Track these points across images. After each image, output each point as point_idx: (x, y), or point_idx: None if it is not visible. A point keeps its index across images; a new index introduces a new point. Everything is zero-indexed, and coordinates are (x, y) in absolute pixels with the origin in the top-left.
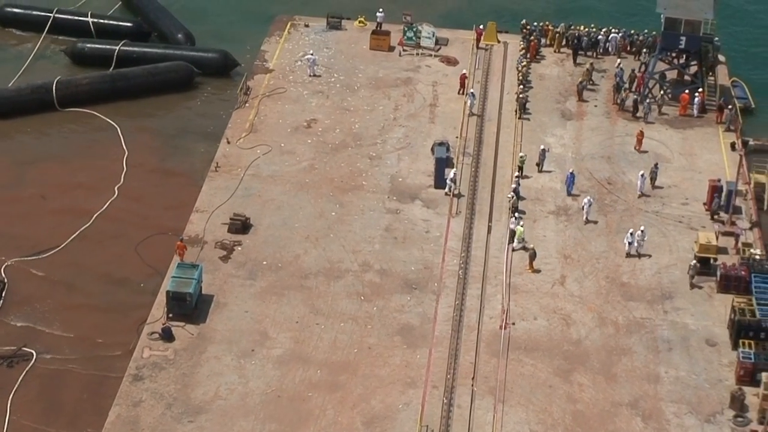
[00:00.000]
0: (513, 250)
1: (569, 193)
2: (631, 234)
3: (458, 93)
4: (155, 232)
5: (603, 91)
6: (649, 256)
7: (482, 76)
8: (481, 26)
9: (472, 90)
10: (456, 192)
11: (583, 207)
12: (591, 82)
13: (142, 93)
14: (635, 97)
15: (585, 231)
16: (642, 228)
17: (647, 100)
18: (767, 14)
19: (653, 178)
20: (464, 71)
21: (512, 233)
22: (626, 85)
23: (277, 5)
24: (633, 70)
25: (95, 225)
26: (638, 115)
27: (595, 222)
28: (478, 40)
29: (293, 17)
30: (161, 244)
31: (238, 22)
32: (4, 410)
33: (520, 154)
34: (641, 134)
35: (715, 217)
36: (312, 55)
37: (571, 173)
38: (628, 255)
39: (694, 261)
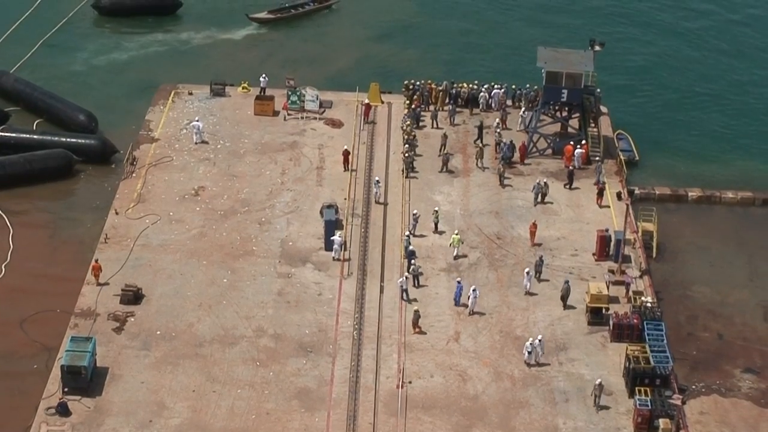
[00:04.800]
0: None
1: (457, 304)
2: (531, 344)
3: (344, 170)
4: (44, 309)
5: (488, 148)
6: (548, 364)
7: (368, 137)
8: (367, 100)
9: (377, 178)
10: (344, 256)
11: (468, 297)
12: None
13: (19, 182)
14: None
15: (477, 287)
16: (539, 337)
17: (535, 183)
18: (649, 67)
19: (539, 272)
20: (345, 147)
21: (411, 260)
22: (503, 159)
23: (159, 74)
24: (511, 141)
25: None
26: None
27: (481, 314)
28: (366, 114)
29: (176, 86)
30: (52, 320)
31: (120, 93)
32: None
33: (435, 208)
34: (534, 226)
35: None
36: (197, 122)
37: (459, 282)
38: (529, 365)
39: (599, 380)
